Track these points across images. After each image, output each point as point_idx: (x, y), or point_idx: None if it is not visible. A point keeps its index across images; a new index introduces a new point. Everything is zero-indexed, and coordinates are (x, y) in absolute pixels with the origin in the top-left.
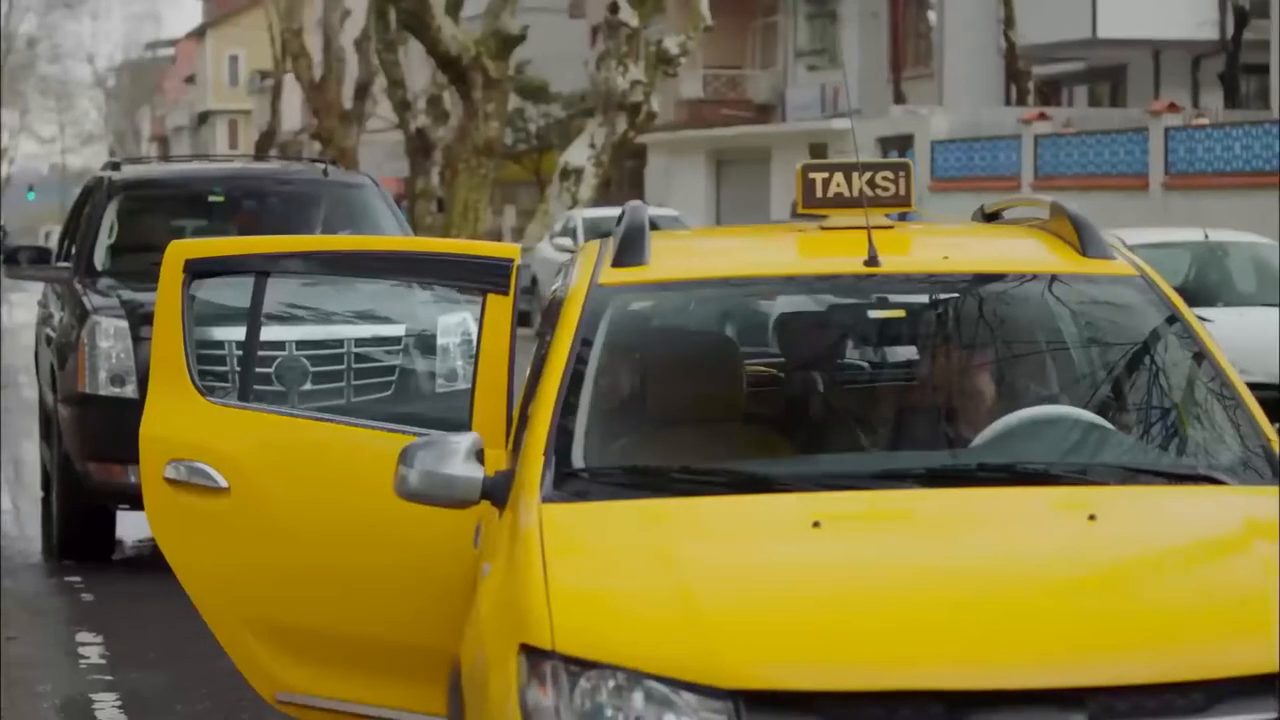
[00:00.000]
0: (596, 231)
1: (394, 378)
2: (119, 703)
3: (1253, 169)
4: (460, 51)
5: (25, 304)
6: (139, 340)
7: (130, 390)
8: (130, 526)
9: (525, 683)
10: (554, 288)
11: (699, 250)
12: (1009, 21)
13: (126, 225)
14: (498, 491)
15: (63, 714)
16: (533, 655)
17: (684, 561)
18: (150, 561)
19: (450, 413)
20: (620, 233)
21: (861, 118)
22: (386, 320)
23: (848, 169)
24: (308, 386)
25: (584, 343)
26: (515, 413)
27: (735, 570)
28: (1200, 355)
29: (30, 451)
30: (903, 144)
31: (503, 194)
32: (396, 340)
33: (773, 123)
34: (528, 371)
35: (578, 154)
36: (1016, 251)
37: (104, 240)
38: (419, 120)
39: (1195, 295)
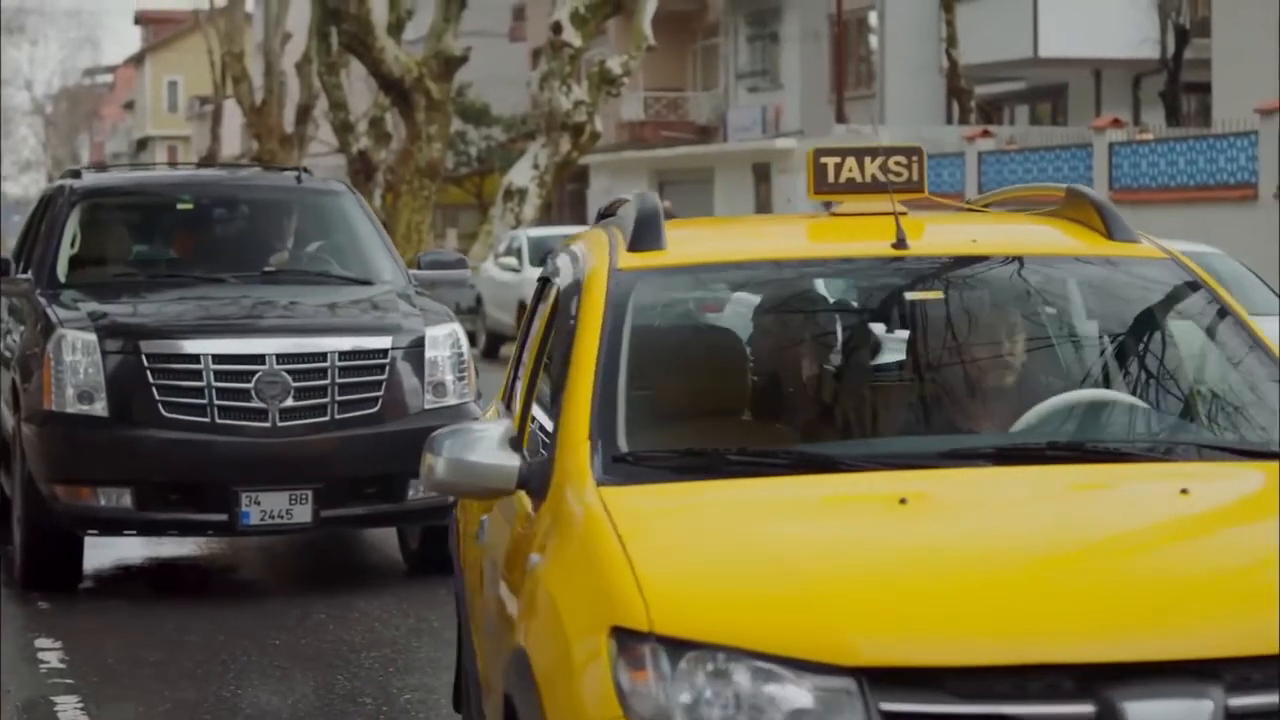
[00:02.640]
0: (541, 251)
1: (380, 393)
2: (80, 704)
3: (1197, 183)
4: (403, 73)
5: None
6: (108, 354)
7: (100, 408)
8: (96, 553)
9: (618, 667)
10: (551, 277)
11: (713, 235)
12: (951, 40)
13: (90, 235)
14: (535, 480)
15: (25, 715)
16: (626, 638)
17: (777, 539)
18: (119, 593)
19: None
20: (634, 218)
21: (804, 137)
22: (371, 332)
23: (860, 154)
24: (289, 402)
25: (613, 327)
26: (518, 403)
27: (834, 546)
28: (1241, 332)
29: None
30: None
31: (445, 217)
32: (382, 353)
33: (714, 144)
34: (525, 360)
35: (521, 174)
36: (1043, 235)
37: (66, 251)
38: (361, 143)
39: None
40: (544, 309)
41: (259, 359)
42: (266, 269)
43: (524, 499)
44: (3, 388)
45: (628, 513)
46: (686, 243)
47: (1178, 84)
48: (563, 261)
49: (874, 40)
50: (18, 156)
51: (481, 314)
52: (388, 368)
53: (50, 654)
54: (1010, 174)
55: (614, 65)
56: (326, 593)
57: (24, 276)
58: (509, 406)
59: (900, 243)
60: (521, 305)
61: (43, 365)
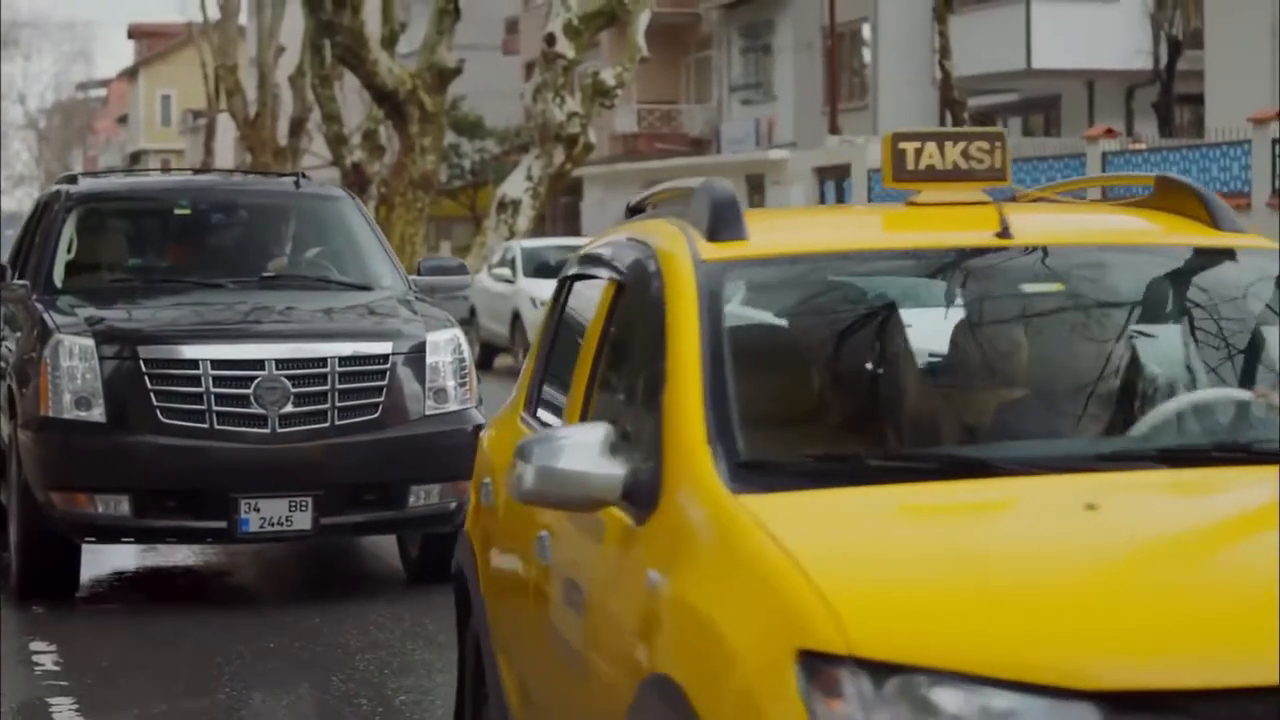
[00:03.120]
0: (534, 262)
1: (381, 399)
2: (75, 705)
3: None
4: (396, 85)
5: None
6: (105, 360)
7: (97, 413)
8: (90, 558)
9: (810, 695)
10: (597, 273)
11: (795, 225)
12: (944, 51)
13: (87, 240)
14: (642, 489)
15: (20, 716)
16: (817, 662)
17: (969, 549)
18: (114, 598)
19: (443, 436)
20: (709, 206)
21: (797, 149)
22: (371, 337)
23: (940, 138)
24: (289, 408)
25: (711, 322)
26: (572, 407)
27: (1038, 557)
28: None
29: None
30: (840, 173)
31: (438, 230)
32: (383, 358)
33: (708, 156)
34: (557, 363)
35: (515, 186)
36: (1152, 225)
37: (63, 256)
38: (355, 155)
39: None
40: (594, 308)
41: (258, 364)
42: (265, 274)
43: (617, 512)
44: None
45: (783, 522)
46: (770, 233)
47: (1170, 95)
48: (621, 254)
49: (867, 52)
50: (11, 171)
51: (475, 325)
52: (388, 373)
53: (45, 657)
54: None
55: (608, 77)
56: (323, 599)
57: (20, 282)
58: (534, 414)
59: (1004, 232)
60: (515, 316)
61: (39, 371)
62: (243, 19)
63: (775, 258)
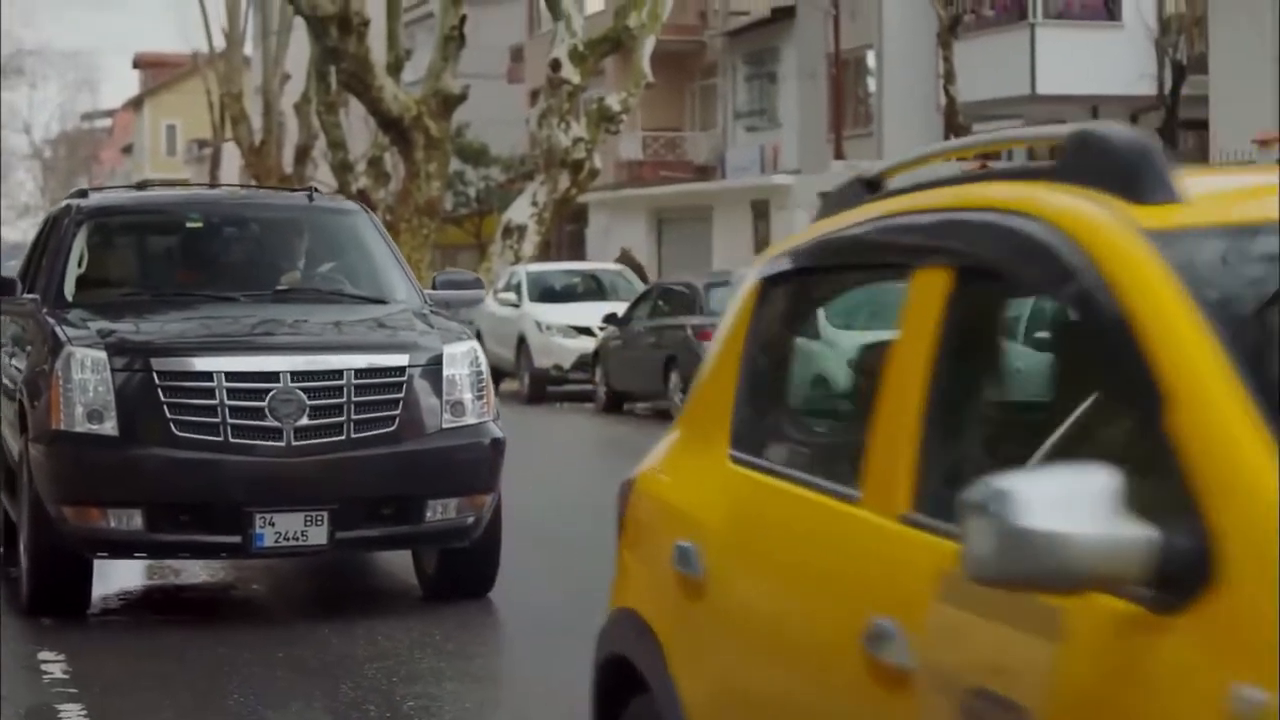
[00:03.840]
0: (540, 286)
1: (397, 412)
2: (84, 713)
3: None
4: (402, 111)
5: None
6: (118, 372)
7: (109, 427)
8: (105, 577)
9: None
10: (855, 260)
11: (1237, 186)
12: (949, 76)
13: (97, 254)
14: (1183, 561)
15: None
16: None
17: None
18: (122, 610)
19: (460, 450)
20: (1126, 158)
21: (802, 174)
22: (388, 350)
23: None
24: (304, 421)
25: (1221, 313)
26: (889, 439)
27: None
28: None
29: None
30: None
31: (444, 257)
32: (399, 371)
33: (713, 182)
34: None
35: (520, 212)
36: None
37: (73, 270)
38: (360, 182)
39: None
40: (903, 310)
41: (273, 377)
42: (278, 288)
43: (1107, 597)
44: (4, 413)
45: None
46: (1211, 196)
47: (1175, 120)
48: (954, 231)
49: (871, 79)
50: (15, 201)
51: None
52: (405, 386)
53: (54, 666)
54: None
55: (613, 102)
56: (332, 612)
57: (30, 296)
58: (761, 452)
59: None
60: (520, 340)
61: (51, 384)
62: (248, 49)
63: (1237, 226)
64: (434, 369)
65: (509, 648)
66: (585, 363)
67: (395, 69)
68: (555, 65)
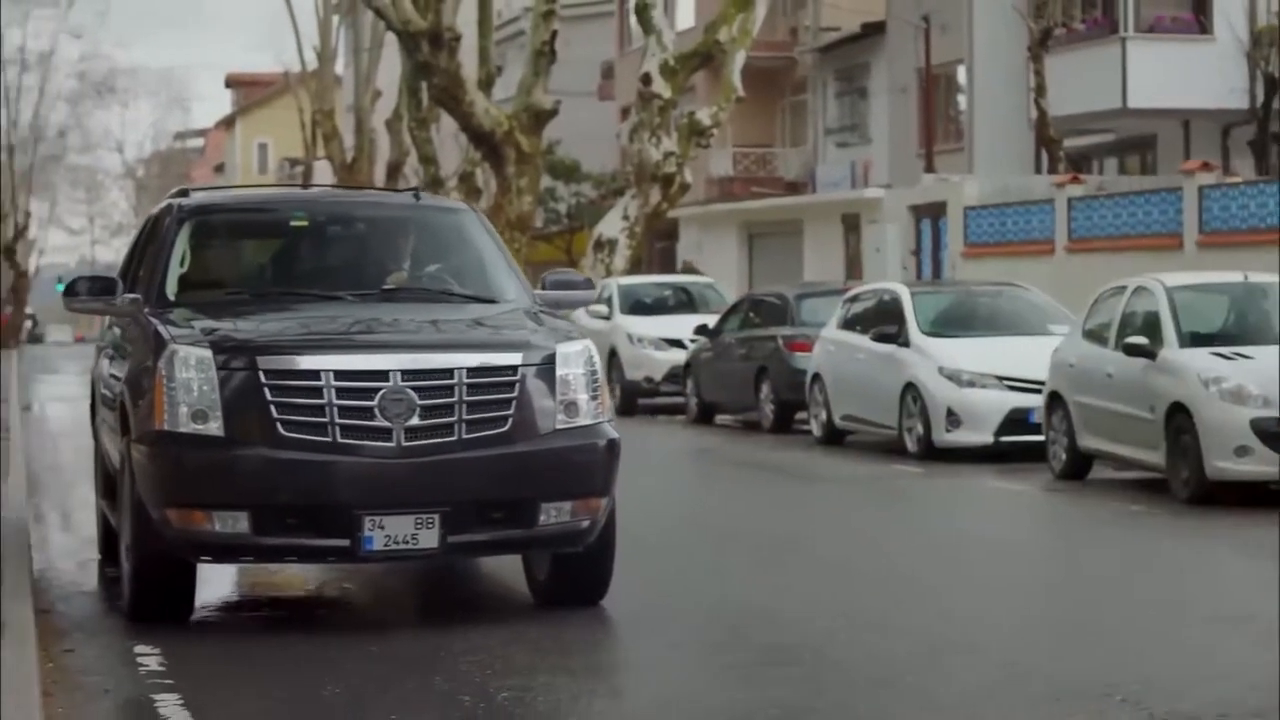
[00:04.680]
0: (631, 299)
1: (510, 412)
2: (181, 701)
3: None
4: (493, 126)
5: (59, 384)
6: (223, 371)
7: (215, 427)
8: (208, 582)
9: None
10: None
11: None
12: (1040, 90)
13: (200, 253)
14: None
15: (125, 712)
16: None
17: None
18: (220, 608)
19: (575, 452)
20: None
21: (892, 188)
22: (500, 348)
23: None
24: (415, 421)
25: None
26: None
27: None
28: None
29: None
30: (935, 211)
31: (534, 274)
32: (512, 370)
33: (803, 196)
34: None
35: (611, 226)
36: None
37: (175, 269)
38: (451, 197)
39: (1236, 335)
40: None
41: (383, 375)
42: (385, 287)
43: None
44: (103, 418)
45: None
46: None
47: (1267, 133)
48: None
49: (962, 94)
50: (109, 220)
51: None
52: (517, 385)
53: (149, 658)
54: (1100, 219)
55: (703, 116)
56: (434, 612)
57: (131, 296)
58: None
59: None
60: (612, 352)
61: (154, 384)
62: (339, 66)
63: None
64: (547, 368)
65: (606, 646)
66: (676, 375)
67: (486, 84)
68: (646, 79)
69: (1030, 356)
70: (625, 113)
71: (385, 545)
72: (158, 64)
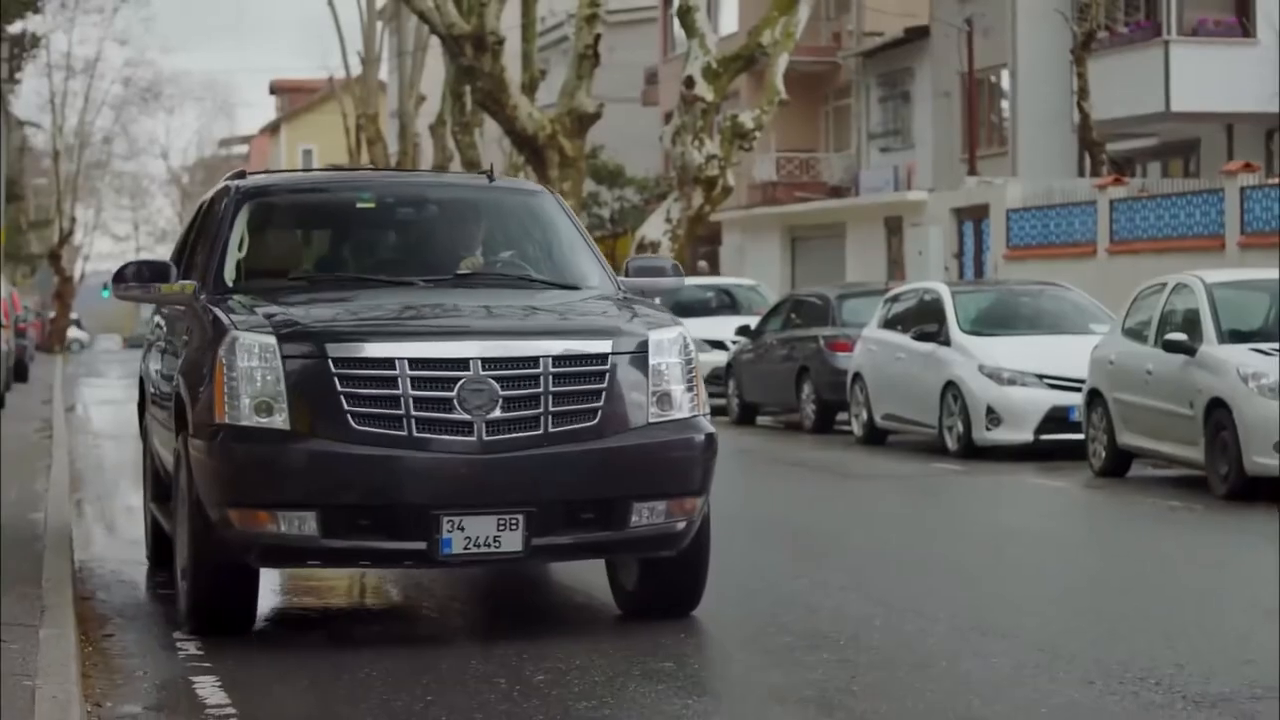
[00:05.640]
0: (673, 300)
1: (600, 404)
2: (219, 683)
3: None
4: (536, 129)
5: (103, 388)
6: (289, 359)
7: (280, 420)
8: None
9: None
10: None
11: None
12: (1082, 92)
13: (260, 237)
14: None
15: (164, 692)
16: None
17: None
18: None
19: (669, 447)
20: None
21: (935, 191)
22: (589, 335)
23: None
24: (497, 414)
25: None
26: None
27: None
28: None
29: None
30: (978, 214)
31: None
32: (601, 359)
33: (846, 199)
34: None
35: (654, 228)
36: None
37: (233, 254)
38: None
39: (1276, 332)
40: None
41: (462, 364)
42: (459, 272)
43: None
44: (153, 416)
45: None
46: None
47: None
48: None
49: (1005, 98)
50: (154, 227)
51: None
52: (608, 375)
53: (188, 643)
54: (1142, 221)
55: (746, 119)
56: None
57: (185, 283)
58: None
59: None
60: None
61: (214, 373)
62: (383, 72)
63: None
64: (639, 357)
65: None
66: (718, 375)
67: (530, 88)
68: (689, 82)
69: (1071, 355)
70: (669, 118)
71: (465, 548)
72: (203, 70)
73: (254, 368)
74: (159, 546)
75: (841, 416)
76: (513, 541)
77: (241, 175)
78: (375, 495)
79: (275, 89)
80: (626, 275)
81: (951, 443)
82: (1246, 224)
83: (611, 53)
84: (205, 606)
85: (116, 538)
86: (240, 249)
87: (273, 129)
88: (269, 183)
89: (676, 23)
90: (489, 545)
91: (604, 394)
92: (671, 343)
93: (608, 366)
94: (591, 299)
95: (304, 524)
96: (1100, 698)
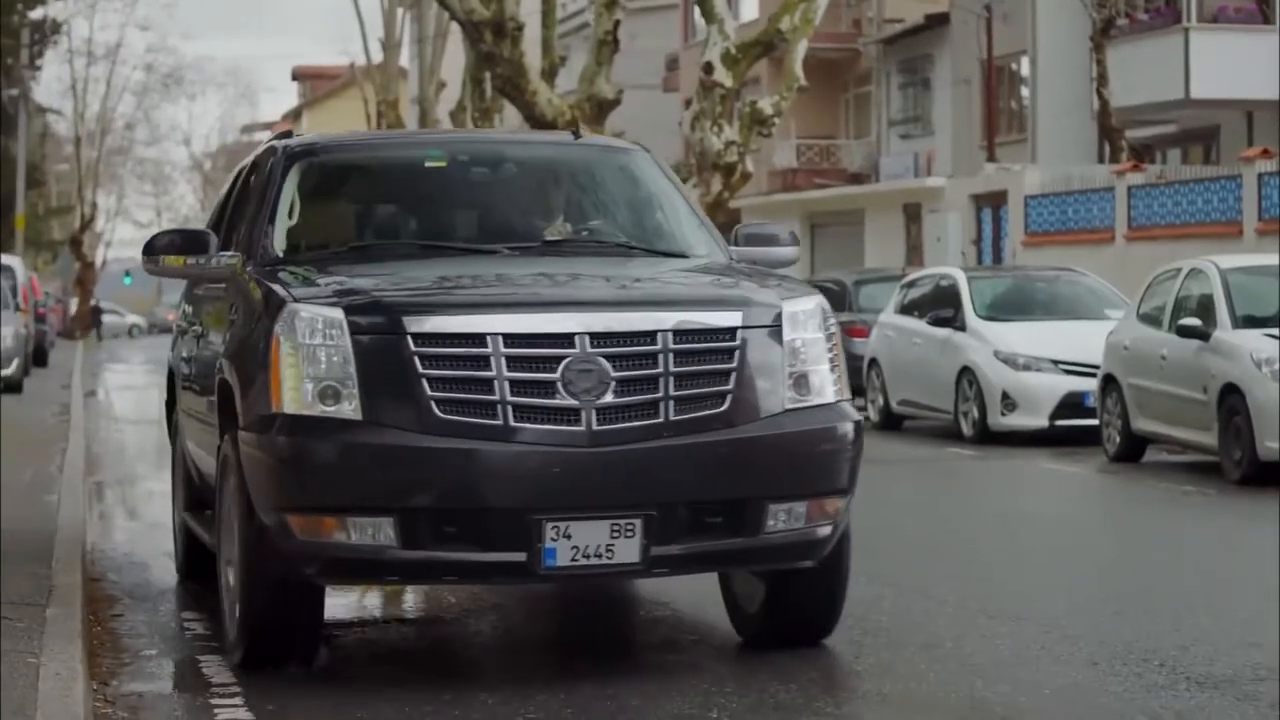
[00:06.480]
0: None
1: (729, 387)
2: (225, 662)
3: None
4: (556, 115)
5: (124, 373)
6: (360, 336)
7: (350, 409)
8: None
9: None
10: None
11: None
12: (1101, 79)
13: (313, 202)
14: None
15: (170, 671)
16: None
17: None
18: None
19: (811, 438)
20: None
21: (954, 177)
22: (714, 305)
23: None
24: (608, 399)
25: None
26: None
27: None
28: None
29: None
30: (996, 200)
31: None
32: (729, 334)
33: (865, 186)
34: None
35: None
36: None
37: (283, 220)
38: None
39: None
40: None
41: (566, 340)
42: (547, 239)
43: None
44: (187, 410)
45: None
46: None
47: None
48: None
49: (1025, 85)
50: (176, 213)
51: None
52: (737, 352)
53: (195, 624)
54: (1160, 207)
55: (765, 105)
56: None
57: (229, 254)
58: None
59: None
60: None
61: (269, 354)
62: (403, 59)
63: None
64: (774, 331)
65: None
66: None
67: (550, 75)
68: (708, 68)
69: (1086, 340)
70: (689, 104)
71: (572, 560)
72: (225, 57)
73: (317, 346)
74: (190, 558)
75: (858, 402)
76: (628, 551)
77: (288, 135)
78: (464, 497)
79: (297, 75)
80: (736, 244)
81: (967, 428)
82: (1264, 210)
83: (633, 39)
84: (259, 633)
85: (131, 520)
86: (291, 215)
87: (295, 115)
88: (321, 141)
89: (697, 9)
90: (600, 556)
91: (734, 375)
92: (809, 315)
93: (737, 342)
94: (709, 265)
95: (379, 532)
96: (1103, 679)
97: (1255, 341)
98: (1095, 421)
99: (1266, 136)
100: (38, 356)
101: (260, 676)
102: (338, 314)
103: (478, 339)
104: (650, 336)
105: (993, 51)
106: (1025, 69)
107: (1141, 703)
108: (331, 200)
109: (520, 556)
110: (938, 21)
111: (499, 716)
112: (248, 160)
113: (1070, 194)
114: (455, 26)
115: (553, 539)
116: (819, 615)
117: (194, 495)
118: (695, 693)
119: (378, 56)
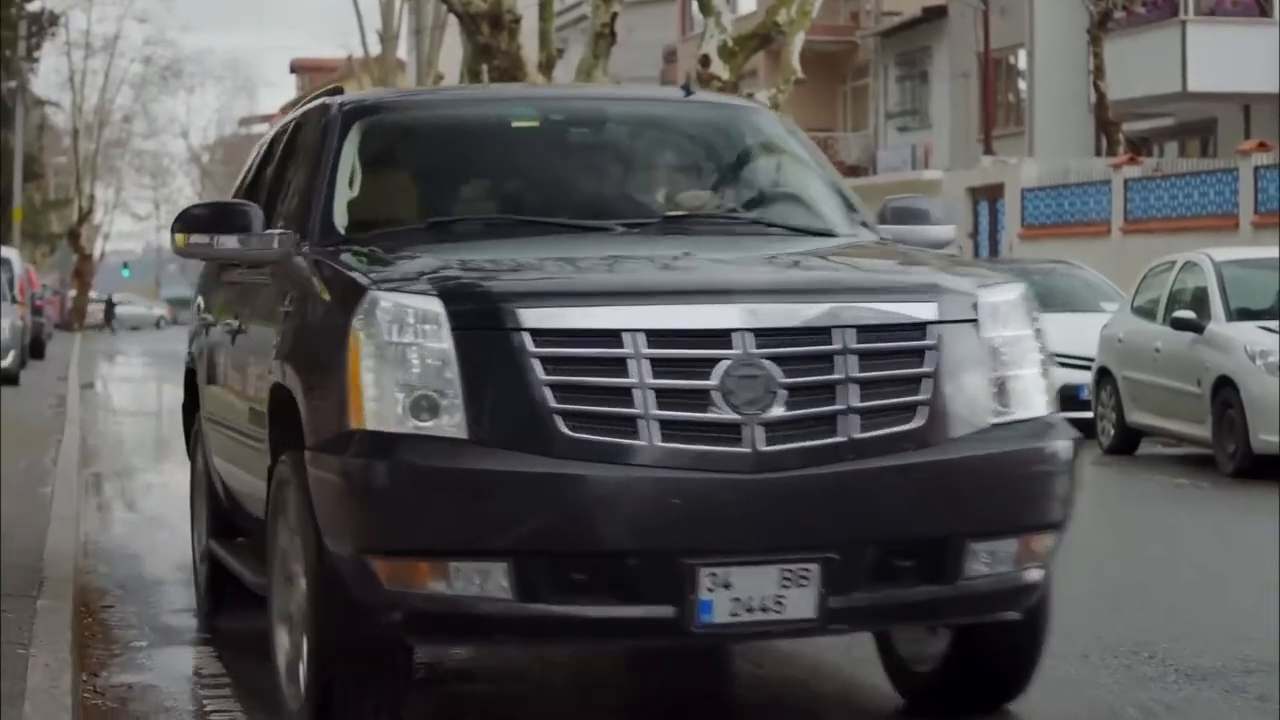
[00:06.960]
0: None
1: (925, 397)
2: (215, 653)
3: None
4: None
5: (122, 366)
6: (462, 333)
7: (451, 424)
8: None
9: None
10: None
11: None
12: (1099, 72)
13: (377, 170)
14: None
15: (159, 661)
16: None
17: None
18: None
19: (1020, 460)
20: None
21: (951, 170)
22: (902, 294)
23: None
24: (778, 411)
25: None
26: None
27: None
28: None
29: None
30: (993, 193)
31: None
32: (920, 330)
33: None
34: None
35: None
36: None
37: (343, 192)
38: None
39: None
40: None
41: (722, 338)
42: (669, 214)
43: None
44: (213, 418)
45: None
46: None
47: None
48: None
49: (1022, 77)
50: (174, 206)
51: None
52: (933, 354)
53: (187, 615)
54: (1156, 200)
55: (762, 98)
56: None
57: (277, 233)
58: None
59: None
60: None
61: (345, 356)
62: (401, 51)
63: None
64: (969, 327)
65: None
66: None
67: (547, 67)
68: (705, 61)
69: (1081, 333)
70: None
71: (732, 615)
72: (223, 49)
73: (408, 345)
74: (217, 595)
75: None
76: (802, 604)
77: (339, 90)
78: (599, 538)
79: (295, 68)
80: (883, 221)
81: None
82: (1260, 203)
83: (630, 32)
84: (332, 707)
85: (127, 512)
86: (352, 186)
87: (292, 108)
88: (386, 98)
89: (695, 2)
90: (768, 610)
91: (929, 381)
92: (1012, 307)
93: (932, 340)
94: (868, 248)
95: (489, 580)
96: (1094, 671)
97: (1249, 334)
98: (1090, 414)
99: (1264, 129)
100: (34, 348)
101: (251, 668)
102: (434, 304)
103: (613, 337)
104: (825, 334)
105: (990, 44)
106: (1022, 62)
107: (1132, 695)
108: (401, 168)
109: (668, 611)
110: (935, 14)
111: None
112: (289, 120)
113: (1067, 187)
114: (453, 19)
115: (709, 589)
116: (1014, 670)
117: (221, 520)
118: None
119: (376, 49)
